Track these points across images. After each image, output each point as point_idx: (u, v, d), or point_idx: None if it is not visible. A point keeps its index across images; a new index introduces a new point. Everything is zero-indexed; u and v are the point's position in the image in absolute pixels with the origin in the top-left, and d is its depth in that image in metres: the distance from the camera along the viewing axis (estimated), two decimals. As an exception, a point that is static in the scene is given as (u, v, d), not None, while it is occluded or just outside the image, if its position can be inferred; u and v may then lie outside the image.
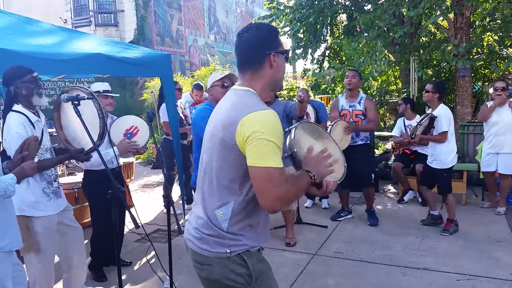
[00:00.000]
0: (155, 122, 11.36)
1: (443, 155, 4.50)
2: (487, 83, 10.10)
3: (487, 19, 9.63)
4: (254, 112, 1.49)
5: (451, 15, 7.47)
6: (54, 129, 3.09)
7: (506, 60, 7.72)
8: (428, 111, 4.77)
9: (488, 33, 9.88)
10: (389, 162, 6.66)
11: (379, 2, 8.74)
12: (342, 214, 5.27)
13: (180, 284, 3.55)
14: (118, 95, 4.04)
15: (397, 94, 10.34)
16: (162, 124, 5.70)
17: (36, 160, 2.49)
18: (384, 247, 4.30)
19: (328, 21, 9.57)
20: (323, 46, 10.63)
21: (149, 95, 12.19)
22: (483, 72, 10.12)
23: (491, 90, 5.51)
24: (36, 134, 2.79)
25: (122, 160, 5.69)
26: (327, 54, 10.83)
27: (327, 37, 10.49)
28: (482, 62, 9.45)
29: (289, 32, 9.66)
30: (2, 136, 2.76)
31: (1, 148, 2.77)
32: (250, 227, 1.64)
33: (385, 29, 8.20)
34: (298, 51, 9.82)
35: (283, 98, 10.28)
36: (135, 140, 3.79)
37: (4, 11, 4.10)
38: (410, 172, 5.93)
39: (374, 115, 4.93)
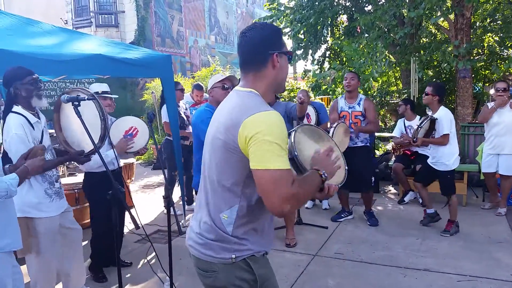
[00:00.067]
0: (156, 123, 11.37)
1: (445, 157, 4.49)
2: (487, 84, 10.11)
3: (488, 20, 9.63)
4: (257, 113, 1.45)
5: (452, 16, 7.47)
6: (53, 130, 3.09)
7: (506, 61, 7.72)
8: (429, 113, 4.77)
9: (488, 34, 9.88)
10: (390, 163, 6.66)
11: (379, 3, 8.75)
12: (342, 215, 5.27)
13: (180, 285, 3.55)
14: (116, 96, 4.03)
15: (397, 95, 10.34)
16: (163, 125, 5.70)
17: None
18: (385, 248, 4.30)
19: (329, 22, 9.58)
20: (323, 47, 10.63)
21: (150, 96, 12.19)
22: (483, 73, 10.12)
23: (492, 91, 5.51)
24: (36, 135, 2.80)
25: (122, 161, 5.69)
26: (327, 55, 10.83)
27: (328, 38, 10.49)
28: (483, 63, 9.46)
29: (289, 33, 9.66)
30: (2, 137, 2.76)
31: (2, 150, 2.77)
32: (255, 231, 1.61)
33: (386, 30, 8.21)
34: (299, 52, 9.83)
35: (283, 99, 10.29)
36: (133, 141, 3.79)
37: (5, 12, 4.11)
38: (411, 173, 5.92)
39: (373, 116, 4.93)
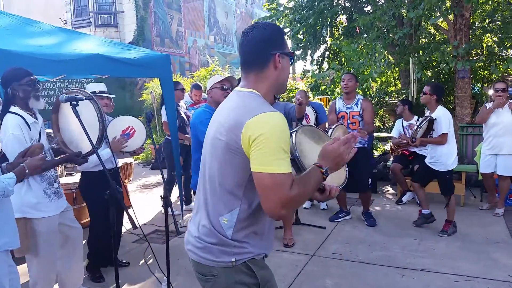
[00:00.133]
0: (154, 123, 11.37)
1: (444, 157, 4.50)
2: (486, 85, 10.12)
3: (487, 21, 9.64)
4: (260, 114, 1.42)
5: (451, 17, 7.48)
6: (51, 130, 3.09)
7: (505, 62, 7.75)
8: (427, 113, 4.78)
9: (487, 35, 9.88)
10: (388, 163, 6.67)
11: (378, 3, 8.77)
12: (340, 215, 5.28)
13: (178, 285, 3.55)
14: (114, 95, 4.02)
15: (396, 95, 10.35)
16: (162, 124, 5.70)
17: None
18: (382, 248, 4.31)
19: (328, 22, 9.58)
20: (322, 47, 10.65)
21: (149, 96, 12.19)
22: (482, 73, 10.12)
23: (490, 92, 5.51)
24: (33, 136, 2.80)
25: (120, 161, 5.70)
26: (326, 55, 10.84)
27: (327, 38, 10.50)
28: (482, 64, 9.47)
29: (288, 33, 9.67)
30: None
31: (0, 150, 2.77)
32: (255, 234, 1.58)
33: (385, 30, 8.22)
34: (298, 52, 9.84)
35: (282, 99, 10.29)
36: (127, 140, 3.79)
37: (4, 12, 4.12)
38: (409, 173, 5.94)
39: (370, 117, 4.94)
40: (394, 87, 11.43)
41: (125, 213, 2.30)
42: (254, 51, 1.56)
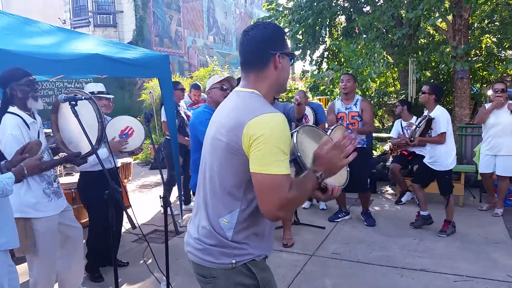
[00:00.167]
0: (153, 123, 11.36)
1: (443, 156, 4.50)
2: (485, 85, 10.13)
3: (486, 21, 9.66)
4: (262, 115, 1.41)
5: (450, 17, 7.49)
6: (50, 130, 3.09)
7: (504, 62, 7.75)
8: (425, 112, 4.78)
9: (486, 35, 9.91)
10: (387, 164, 6.67)
11: (377, 4, 8.78)
12: (339, 215, 5.28)
13: (177, 285, 3.55)
14: (112, 96, 4.01)
15: (395, 96, 10.37)
16: (161, 124, 5.70)
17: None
18: (382, 248, 4.31)
19: (327, 23, 9.60)
20: (321, 47, 10.67)
21: (148, 96, 12.18)
22: (481, 74, 10.14)
23: (489, 92, 5.52)
24: (32, 135, 2.80)
25: (120, 161, 5.69)
26: (325, 56, 10.86)
27: (326, 39, 10.52)
28: (481, 64, 9.48)
29: (288, 34, 9.67)
30: None
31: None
32: (255, 235, 1.56)
33: (384, 30, 8.23)
34: (297, 53, 9.86)
35: (281, 100, 10.29)
36: (127, 141, 3.79)
37: (3, 12, 4.11)
38: (408, 173, 5.94)
39: (369, 117, 4.94)
40: (393, 88, 11.44)
41: (124, 213, 2.29)
42: (255, 50, 1.55)
